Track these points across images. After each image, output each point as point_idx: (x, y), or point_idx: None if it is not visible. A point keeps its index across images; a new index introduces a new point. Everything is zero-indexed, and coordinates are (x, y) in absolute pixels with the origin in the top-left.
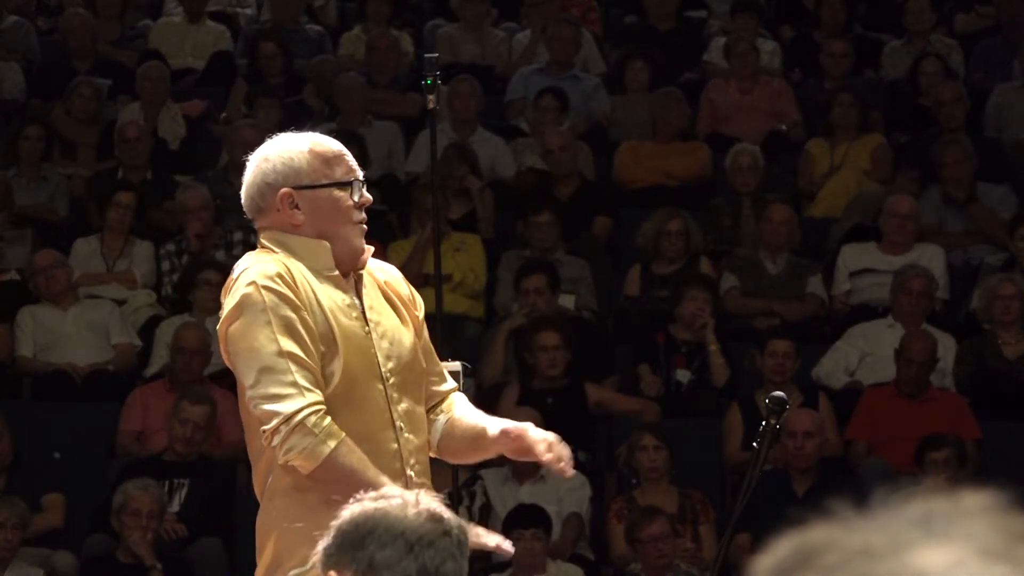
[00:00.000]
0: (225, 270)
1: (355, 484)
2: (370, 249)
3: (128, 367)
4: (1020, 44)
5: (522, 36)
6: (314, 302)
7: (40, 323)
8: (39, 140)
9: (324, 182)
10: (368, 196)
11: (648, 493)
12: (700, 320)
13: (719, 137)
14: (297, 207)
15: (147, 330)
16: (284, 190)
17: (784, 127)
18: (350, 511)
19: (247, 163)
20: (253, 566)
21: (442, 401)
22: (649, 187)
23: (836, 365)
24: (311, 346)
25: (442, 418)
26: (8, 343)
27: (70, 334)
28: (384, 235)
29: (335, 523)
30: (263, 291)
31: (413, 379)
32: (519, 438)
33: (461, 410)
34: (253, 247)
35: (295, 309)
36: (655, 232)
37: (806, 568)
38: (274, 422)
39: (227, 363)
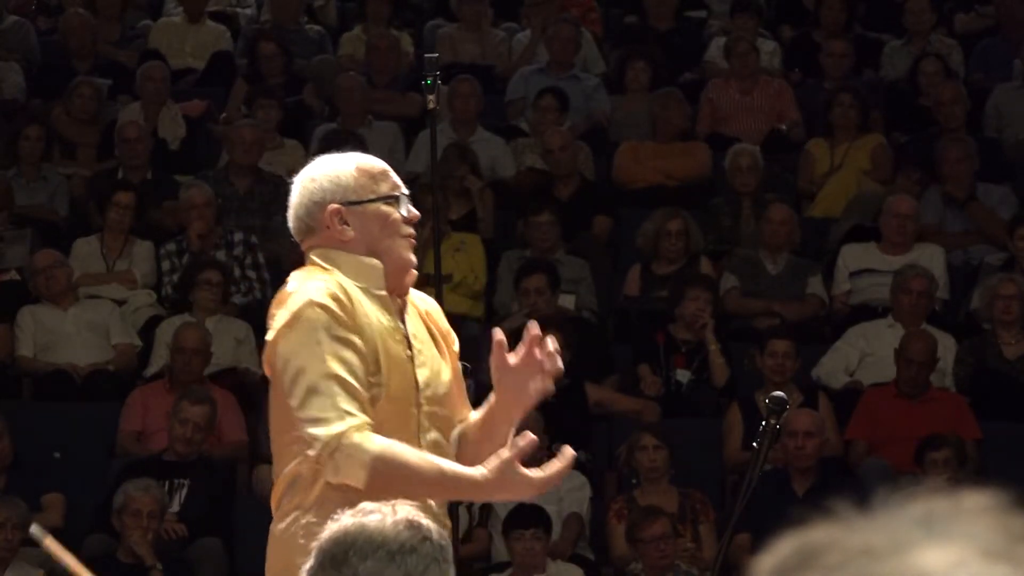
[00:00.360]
0: (225, 270)
1: (413, 484)
2: (414, 274)
3: (128, 367)
4: (1020, 44)
5: (522, 36)
6: (364, 322)
7: (40, 323)
8: (39, 140)
9: (372, 197)
10: (415, 211)
11: (648, 493)
12: (700, 320)
13: (719, 137)
14: (346, 223)
15: (147, 330)
16: (333, 206)
17: (784, 127)
18: (329, 531)
19: (291, 185)
20: (253, 566)
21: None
22: (649, 187)
23: (836, 365)
24: (360, 370)
25: (454, 432)
26: (8, 343)
27: (70, 334)
28: None
29: (316, 545)
30: (318, 310)
31: (444, 412)
32: (503, 362)
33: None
34: (252, 248)
35: (348, 331)
36: (655, 232)
37: (807, 568)
38: (318, 446)
39: (268, 375)
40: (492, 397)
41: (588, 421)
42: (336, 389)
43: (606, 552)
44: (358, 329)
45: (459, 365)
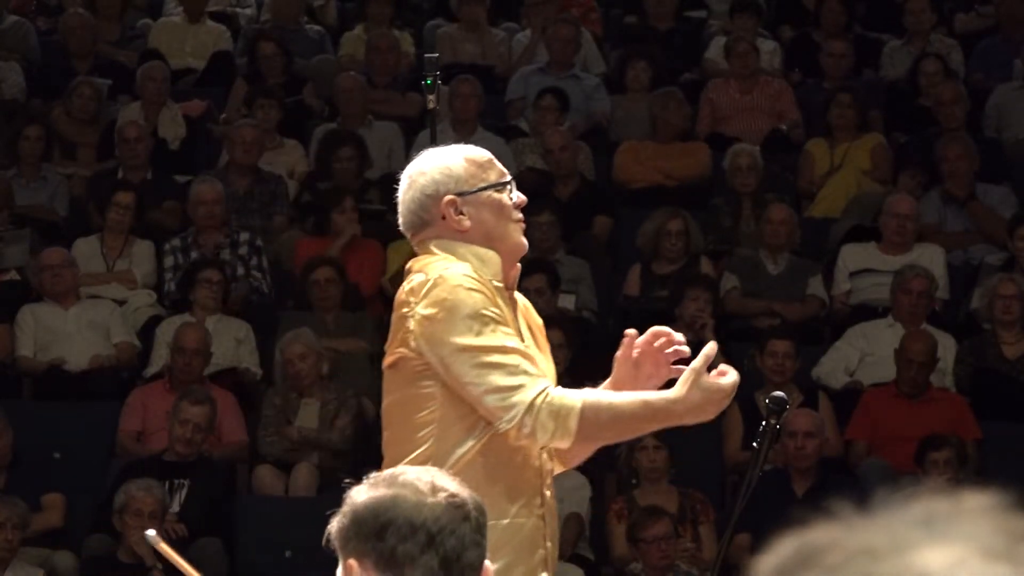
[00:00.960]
0: (226, 270)
1: (622, 422)
2: (518, 268)
3: (128, 367)
4: (1020, 44)
5: (522, 36)
6: (511, 318)
7: (41, 322)
8: (39, 140)
9: (483, 185)
10: (523, 196)
11: (648, 493)
12: (700, 320)
13: (719, 137)
14: (462, 213)
15: (147, 330)
16: (448, 196)
17: (784, 127)
18: (367, 492)
19: (400, 180)
20: (253, 566)
21: None
22: (649, 187)
23: (836, 365)
24: (519, 342)
25: None
26: (8, 343)
27: (71, 333)
28: (384, 235)
29: (351, 502)
30: (472, 292)
31: None
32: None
33: None
34: (258, 250)
35: (499, 307)
36: (655, 232)
37: (808, 568)
38: (519, 413)
39: (391, 364)
40: (606, 383)
41: None
42: (514, 359)
43: (606, 552)
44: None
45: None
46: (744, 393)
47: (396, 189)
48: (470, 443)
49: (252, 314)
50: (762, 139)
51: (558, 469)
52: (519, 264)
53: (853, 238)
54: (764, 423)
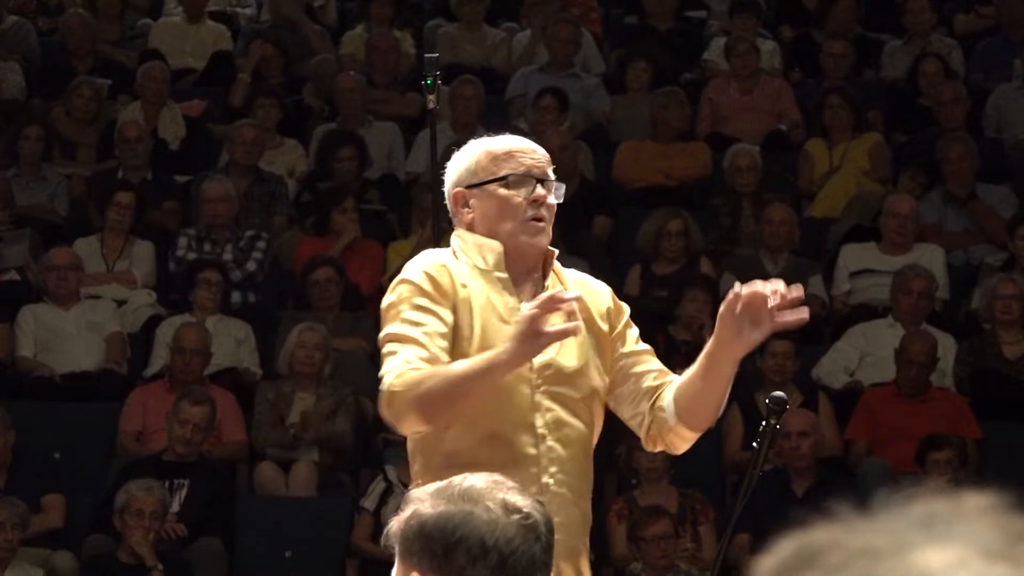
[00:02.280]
0: (226, 270)
1: (454, 385)
2: (551, 251)
3: (128, 367)
4: (1020, 44)
5: (522, 36)
6: (463, 299)
7: (41, 323)
8: (39, 140)
9: (488, 179)
10: (541, 192)
11: (648, 493)
12: (698, 321)
13: (719, 137)
14: (467, 205)
15: (147, 330)
16: (456, 190)
17: (784, 127)
18: (437, 504)
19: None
20: (253, 566)
21: (661, 388)
22: (649, 187)
23: (836, 365)
24: (436, 332)
25: (667, 394)
26: (8, 343)
27: (71, 334)
28: (384, 235)
29: (417, 512)
30: (407, 285)
31: (573, 393)
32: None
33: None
34: (262, 251)
35: (433, 302)
36: (655, 232)
37: (809, 568)
38: (381, 402)
39: None
40: (708, 345)
41: None
42: (397, 347)
43: (606, 552)
44: (451, 304)
45: (632, 341)
46: (744, 393)
47: (396, 189)
48: (440, 432)
49: (252, 314)
50: (762, 139)
51: (674, 450)
52: (553, 249)
53: (853, 238)
54: (764, 423)
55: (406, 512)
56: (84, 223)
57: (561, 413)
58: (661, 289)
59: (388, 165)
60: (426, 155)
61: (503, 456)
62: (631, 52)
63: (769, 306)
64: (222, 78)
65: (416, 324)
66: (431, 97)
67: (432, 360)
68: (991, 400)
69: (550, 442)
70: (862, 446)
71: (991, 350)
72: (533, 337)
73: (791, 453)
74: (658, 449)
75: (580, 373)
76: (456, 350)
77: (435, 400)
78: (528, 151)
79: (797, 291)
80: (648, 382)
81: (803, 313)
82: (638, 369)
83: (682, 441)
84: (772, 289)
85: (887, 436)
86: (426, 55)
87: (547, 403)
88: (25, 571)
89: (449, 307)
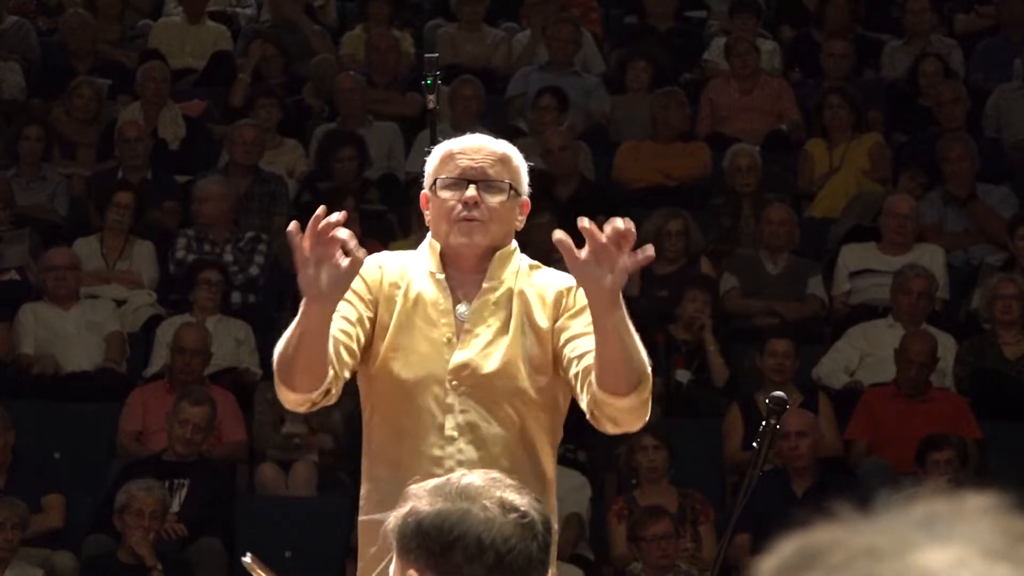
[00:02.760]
0: (226, 270)
1: (287, 348)
2: (509, 249)
3: (128, 367)
4: (1020, 44)
5: (522, 36)
6: (388, 297)
7: (41, 322)
8: (39, 140)
9: (432, 180)
10: (471, 193)
11: (648, 493)
12: (698, 321)
13: (719, 137)
14: (428, 207)
15: (147, 330)
16: (423, 193)
17: (784, 127)
18: (432, 505)
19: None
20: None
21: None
22: (649, 187)
23: (836, 365)
24: (342, 321)
25: (579, 374)
26: (8, 342)
27: (70, 334)
28: (384, 235)
29: (415, 510)
30: None
31: (492, 395)
32: (574, 258)
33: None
34: (264, 253)
35: (352, 292)
36: (655, 232)
37: (810, 568)
38: None
39: None
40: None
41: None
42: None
43: (606, 552)
44: (373, 300)
45: (575, 324)
46: (744, 393)
47: (396, 189)
48: (369, 419)
49: (252, 314)
50: (762, 139)
51: (612, 430)
52: (470, 252)
53: (853, 238)
54: (764, 423)
55: (403, 509)
56: (84, 223)
57: (476, 415)
58: (661, 289)
59: (388, 165)
60: (426, 155)
61: (412, 455)
62: (631, 52)
63: (603, 241)
64: (222, 78)
65: (339, 313)
66: (431, 97)
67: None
68: (991, 400)
69: (461, 444)
70: (862, 446)
71: (991, 350)
72: (300, 271)
73: (790, 453)
74: (608, 429)
75: (500, 374)
76: (373, 345)
77: (279, 360)
78: (471, 151)
79: (628, 224)
80: (584, 363)
81: (648, 250)
82: (574, 354)
83: (618, 412)
84: (606, 230)
85: (887, 436)
86: (426, 55)
87: (461, 405)
88: (25, 571)
89: (368, 303)
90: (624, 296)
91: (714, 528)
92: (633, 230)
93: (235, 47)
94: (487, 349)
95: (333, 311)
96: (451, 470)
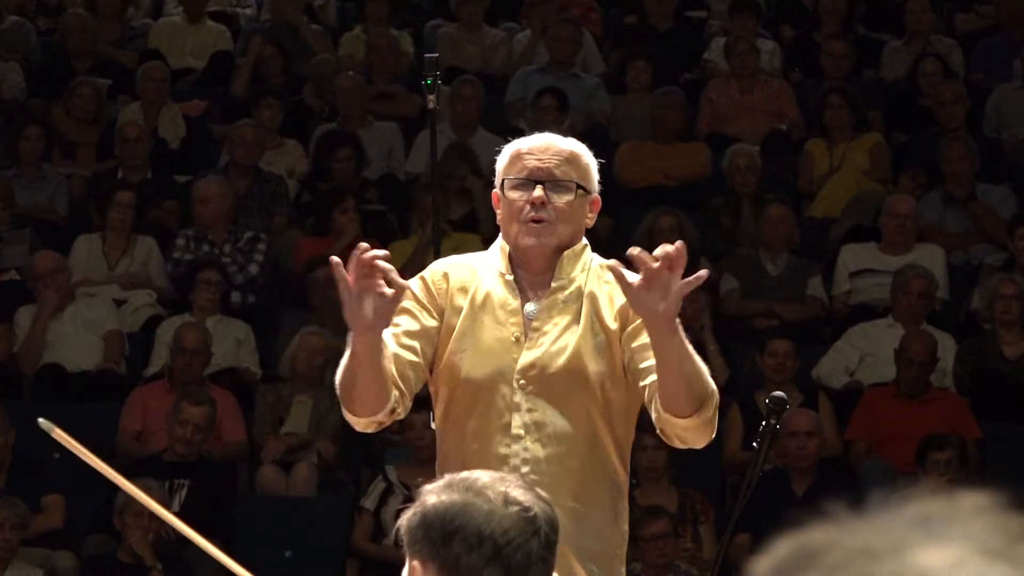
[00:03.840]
0: (225, 270)
1: (345, 377)
2: (582, 245)
3: (128, 367)
4: (1020, 44)
5: (522, 36)
6: (455, 305)
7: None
8: (39, 140)
9: (502, 180)
10: (538, 194)
11: (648, 493)
12: (697, 322)
13: (719, 137)
14: (499, 206)
15: (147, 330)
16: (494, 192)
17: (784, 127)
18: (438, 496)
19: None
20: (253, 566)
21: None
22: (649, 187)
23: (836, 365)
24: (403, 334)
25: (646, 388)
26: (7, 343)
27: (68, 333)
28: (384, 235)
29: (422, 502)
30: (412, 283)
31: (561, 392)
32: (628, 285)
33: None
34: (264, 252)
35: (415, 303)
36: (648, 231)
37: (807, 569)
38: None
39: None
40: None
41: None
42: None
43: None
44: (437, 309)
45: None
46: (744, 393)
47: (396, 189)
48: (440, 422)
49: (252, 314)
50: (762, 139)
51: (680, 445)
52: (537, 254)
53: (853, 238)
54: (764, 423)
55: (411, 508)
56: (84, 223)
57: (544, 414)
58: None
59: (388, 165)
60: (426, 155)
61: (479, 455)
62: (631, 52)
63: (654, 267)
64: (222, 78)
65: (393, 325)
66: (431, 97)
67: (386, 357)
68: (991, 400)
69: (527, 443)
70: (862, 446)
71: (991, 350)
72: (345, 305)
73: (797, 453)
74: (676, 445)
75: (568, 372)
76: (440, 349)
77: (340, 388)
78: (538, 151)
79: (679, 247)
80: (650, 378)
81: (701, 274)
82: (642, 366)
83: (682, 431)
84: (656, 255)
85: (887, 436)
86: (426, 55)
87: (528, 403)
88: (25, 571)
89: (433, 311)
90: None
91: (714, 528)
92: (684, 253)
93: (235, 47)
94: (555, 347)
95: (380, 340)
96: (516, 469)
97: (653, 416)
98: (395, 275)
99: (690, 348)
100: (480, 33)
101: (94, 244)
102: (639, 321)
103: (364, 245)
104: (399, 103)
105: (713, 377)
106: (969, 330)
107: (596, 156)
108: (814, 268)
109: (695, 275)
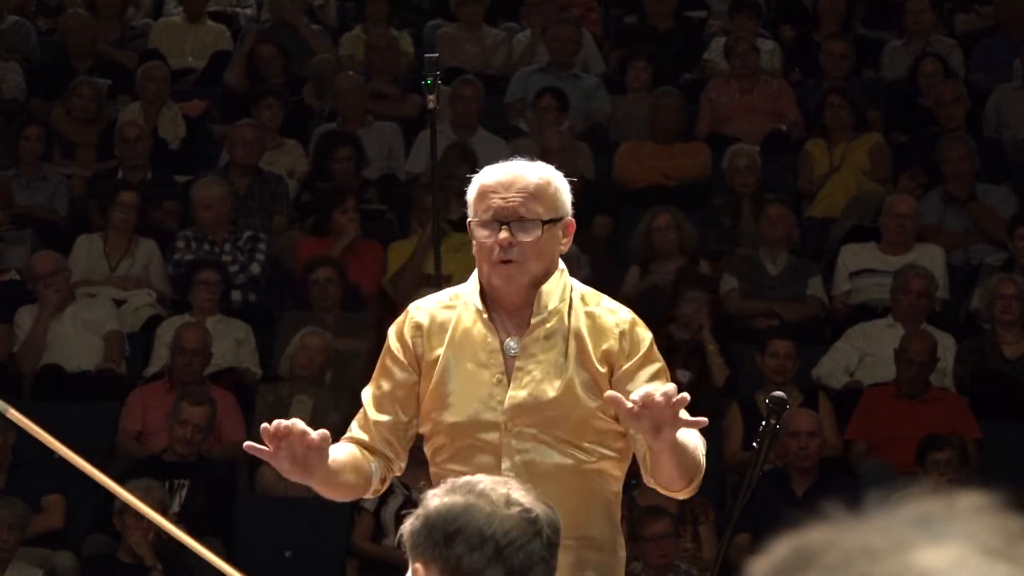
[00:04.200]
0: (224, 270)
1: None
2: (514, 287)
3: (128, 367)
4: (1020, 44)
5: (522, 36)
6: (446, 344)
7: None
8: (39, 140)
9: (471, 218)
10: (504, 236)
11: (648, 493)
12: (696, 321)
13: (719, 137)
14: (473, 242)
15: (147, 330)
16: (468, 220)
17: (784, 127)
18: (440, 499)
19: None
20: (253, 566)
21: None
22: (649, 187)
23: (836, 365)
24: (382, 396)
25: (638, 449)
26: (7, 343)
27: (68, 333)
28: (384, 235)
29: (425, 506)
30: (389, 334)
31: (551, 430)
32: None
33: None
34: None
35: (393, 362)
36: (645, 231)
37: (806, 568)
38: None
39: None
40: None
41: None
42: (364, 405)
43: None
44: (411, 362)
45: (644, 379)
46: (744, 393)
47: (396, 189)
48: (431, 461)
49: (252, 314)
50: (762, 139)
51: (667, 492)
52: (513, 296)
53: (853, 238)
54: (764, 423)
55: (416, 511)
56: (84, 223)
57: (535, 454)
58: (661, 289)
59: (388, 165)
60: (426, 155)
61: None
62: (631, 52)
63: (663, 405)
64: (222, 78)
65: (375, 385)
66: (431, 97)
67: (363, 426)
68: (991, 400)
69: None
70: (862, 446)
71: (991, 350)
72: (279, 469)
73: (799, 453)
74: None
75: (555, 410)
76: (434, 394)
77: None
78: (503, 187)
79: (684, 395)
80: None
81: (701, 420)
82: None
83: (664, 490)
84: (662, 393)
85: (887, 436)
86: (426, 55)
87: (518, 445)
88: (25, 571)
89: (408, 365)
90: (624, 296)
91: (714, 528)
92: (687, 398)
93: (235, 47)
94: (541, 386)
95: (326, 472)
96: None
97: (643, 476)
98: (308, 432)
99: (684, 438)
100: (480, 33)
101: (95, 244)
102: (628, 365)
103: (266, 425)
104: (398, 104)
105: (713, 377)
106: (969, 330)
107: (596, 156)
108: (814, 268)
109: (695, 420)
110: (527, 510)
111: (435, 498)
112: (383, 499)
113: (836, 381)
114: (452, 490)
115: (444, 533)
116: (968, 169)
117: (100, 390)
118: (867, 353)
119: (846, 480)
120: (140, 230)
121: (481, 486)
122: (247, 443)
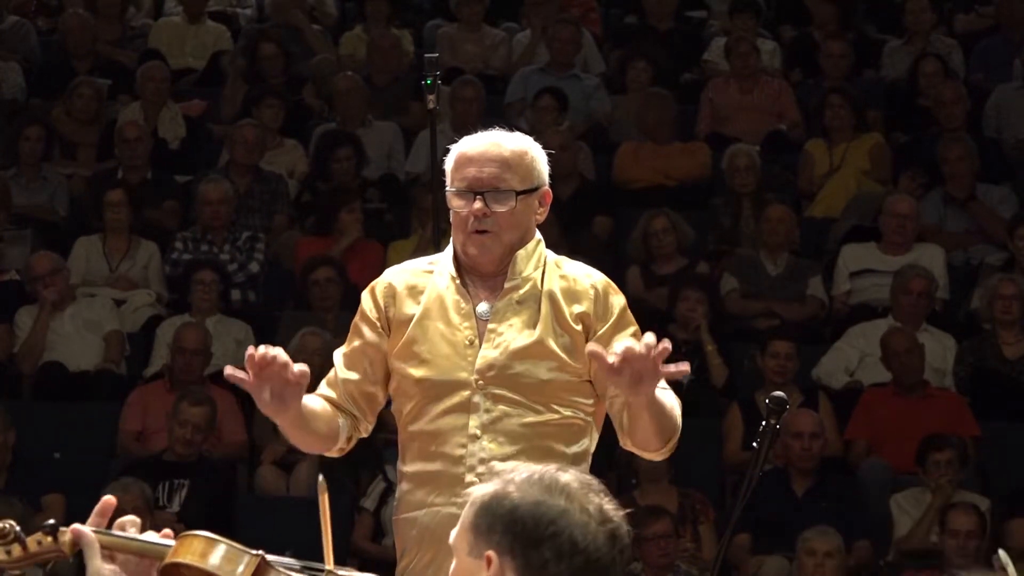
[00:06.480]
0: (222, 270)
1: (286, 437)
2: (488, 256)
3: (128, 367)
4: (1020, 44)
5: (522, 36)
6: (420, 307)
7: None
8: (39, 140)
9: (447, 186)
10: (477, 206)
11: (648, 493)
12: (693, 321)
13: (719, 137)
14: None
15: (147, 330)
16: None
17: (784, 127)
18: (531, 492)
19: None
20: None
21: None
22: (649, 187)
23: (836, 365)
24: (354, 356)
25: (615, 412)
26: (7, 343)
27: (68, 334)
28: (384, 235)
29: (508, 493)
30: (362, 296)
31: (522, 389)
32: (603, 365)
33: None
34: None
35: (364, 323)
36: (643, 234)
37: None
38: None
39: None
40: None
41: None
42: (335, 366)
43: None
44: (382, 323)
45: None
46: (744, 393)
47: (396, 189)
48: (401, 425)
49: (252, 314)
50: (762, 139)
51: (643, 453)
52: (484, 262)
53: (853, 238)
54: (764, 423)
55: (491, 487)
56: (84, 223)
57: (504, 411)
58: (660, 288)
59: (388, 165)
60: (426, 155)
61: (435, 455)
62: (631, 52)
63: (644, 356)
64: (222, 78)
65: (347, 345)
66: (431, 97)
67: (332, 383)
68: (991, 400)
69: (484, 442)
70: (862, 446)
71: (991, 350)
72: (256, 399)
73: (801, 454)
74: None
75: (526, 372)
76: (399, 358)
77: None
78: (478, 159)
79: (664, 343)
80: (620, 402)
81: (683, 366)
82: (612, 392)
83: (647, 456)
84: (644, 344)
85: (887, 436)
86: (426, 55)
87: (487, 404)
88: (25, 571)
89: (378, 327)
90: (625, 297)
91: (714, 528)
92: (669, 346)
93: (235, 47)
94: (513, 347)
95: (296, 412)
96: (472, 468)
97: (619, 438)
98: (289, 363)
99: (661, 397)
100: (480, 33)
101: (94, 245)
102: (603, 329)
103: (251, 350)
104: (399, 106)
105: (713, 377)
106: (969, 330)
107: (596, 156)
108: (814, 268)
109: (676, 367)
110: (617, 527)
111: (518, 487)
112: (383, 499)
113: (836, 381)
114: (541, 485)
115: (535, 535)
116: (968, 169)
117: (100, 390)
118: (867, 353)
119: (846, 480)
120: (140, 231)
121: (571, 488)
122: (228, 368)
